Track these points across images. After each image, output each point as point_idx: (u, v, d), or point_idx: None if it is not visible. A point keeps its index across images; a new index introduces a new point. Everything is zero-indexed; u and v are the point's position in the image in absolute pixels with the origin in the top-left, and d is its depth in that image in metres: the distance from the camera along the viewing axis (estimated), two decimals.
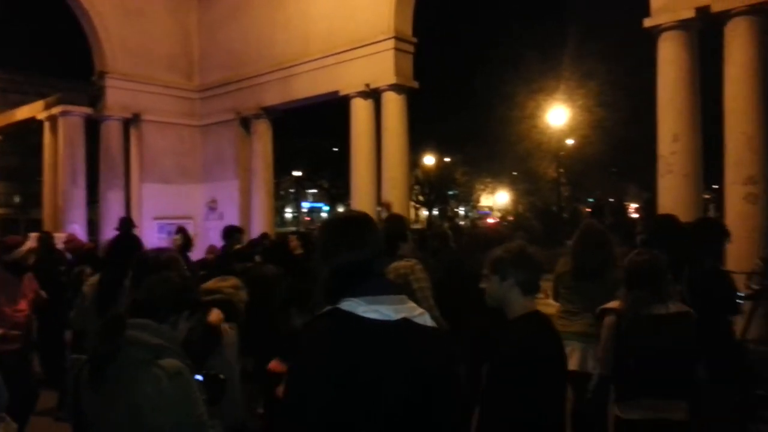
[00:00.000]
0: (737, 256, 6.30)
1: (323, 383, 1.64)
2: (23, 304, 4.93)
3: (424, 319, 1.79)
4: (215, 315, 3.00)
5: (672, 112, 7.04)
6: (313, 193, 49.57)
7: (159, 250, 3.35)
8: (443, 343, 1.84)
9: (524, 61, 22.07)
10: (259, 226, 11.96)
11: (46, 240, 7.64)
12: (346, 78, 10.62)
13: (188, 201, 13.47)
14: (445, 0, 18.73)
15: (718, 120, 6.72)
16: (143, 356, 2.08)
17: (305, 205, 52.23)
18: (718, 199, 13.07)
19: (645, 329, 3.12)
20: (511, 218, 28.48)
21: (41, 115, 13.60)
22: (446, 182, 38.36)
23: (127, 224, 7.68)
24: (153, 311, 2.26)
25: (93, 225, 13.53)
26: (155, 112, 13.10)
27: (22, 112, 14.96)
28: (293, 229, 34.35)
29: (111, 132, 12.65)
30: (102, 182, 12.64)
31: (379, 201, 10.48)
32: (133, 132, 13.13)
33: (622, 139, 21.62)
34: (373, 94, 10.38)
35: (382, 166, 10.34)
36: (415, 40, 10.43)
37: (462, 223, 36.85)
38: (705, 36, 7.12)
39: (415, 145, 19.66)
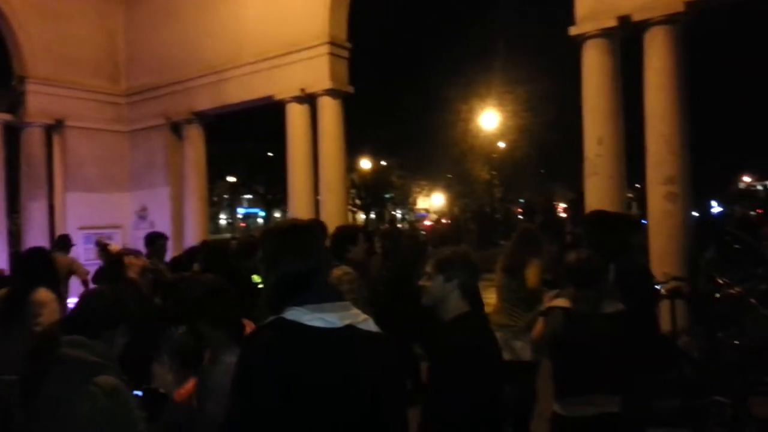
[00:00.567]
0: (660, 252, 6.66)
1: (266, 393, 1.63)
2: None
3: (368, 324, 1.81)
4: None
5: (596, 116, 7.29)
6: (249, 199, 48.79)
7: None
8: (387, 348, 1.86)
9: (457, 66, 22.55)
10: (192, 233, 11.67)
11: None
12: (281, 83, 10.51)
13: (116, 209, 12.93)
14: (380, 6, 18.88)
15: (640, 123, 7.03)
16: (78, 374, 2.01)
17: (240, 211, 51.30)
18: (641, 197, 13.67)
19: (592, 327, 3.21)
20: (446, 220, 28.94)
21: None
22: (383, 185, 38.67)
23: (63, 243, 7.36)
24: (85, 327, 2.18)
25: (14, 236, 12.85)
26: (80, 118, 12.49)
27: None
28: (228, 235, 33.71)
29: (32, 139, 12.00)
30: (23, 192, 11.96)
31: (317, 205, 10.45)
32: (56, 139, 12.49)
33: (548, 143, 22.47)
34: (309, 99, 10.31)
35: (319, 170, 10.28)
36: (349, 45, 10.44)
37: (399, 225, 37.17)
38: (626, 43, 7.43)
39: (352, 149, 19.68)
